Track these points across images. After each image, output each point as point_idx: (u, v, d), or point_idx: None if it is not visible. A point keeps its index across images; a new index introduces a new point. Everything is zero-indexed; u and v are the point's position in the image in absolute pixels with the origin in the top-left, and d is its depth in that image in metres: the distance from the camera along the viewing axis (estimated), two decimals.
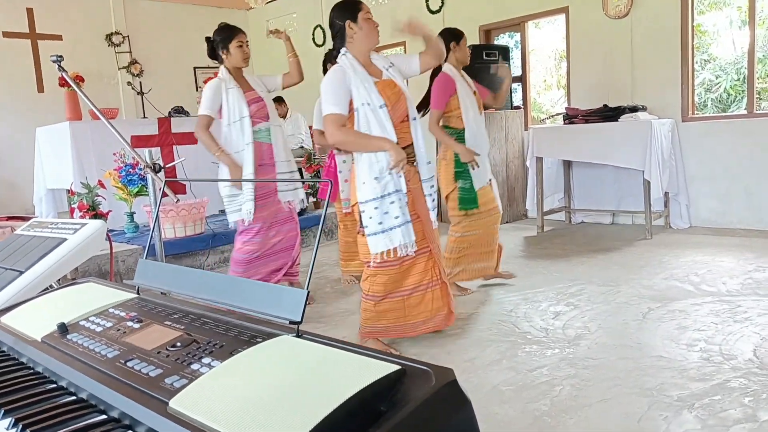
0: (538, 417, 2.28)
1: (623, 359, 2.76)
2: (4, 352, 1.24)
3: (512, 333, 3.21)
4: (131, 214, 5.17)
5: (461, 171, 3.81)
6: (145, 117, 6.87)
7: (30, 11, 7.84)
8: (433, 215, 3.08)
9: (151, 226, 1.59)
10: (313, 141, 8.22)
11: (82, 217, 4.60)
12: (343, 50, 2.92)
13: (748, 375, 2.50)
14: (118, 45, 8.72)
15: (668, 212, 5.80)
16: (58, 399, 1.00)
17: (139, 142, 5.61)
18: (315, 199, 6.44)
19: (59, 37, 8.00)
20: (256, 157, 3.54)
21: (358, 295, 4.11)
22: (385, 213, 2.83)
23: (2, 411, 0.96)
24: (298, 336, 0.96)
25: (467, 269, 3.97)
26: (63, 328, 1.16)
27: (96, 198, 4.74)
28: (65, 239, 1.68)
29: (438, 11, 7.42)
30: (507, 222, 6.37)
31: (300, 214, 4.23)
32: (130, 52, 8.80)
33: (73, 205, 4.88)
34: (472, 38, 6.32)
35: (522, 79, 7.01)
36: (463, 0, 7.20)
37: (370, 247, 2.89)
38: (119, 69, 8.77)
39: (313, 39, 9.00)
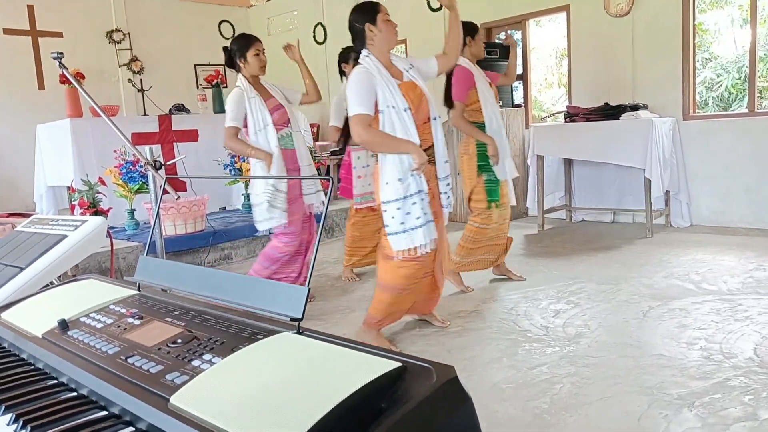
0: (538, 415, 2.29)
1: (623, 357, 2.76)
2: (4, 348, 1.24)
3: (512, 331, 3.21)
4: (132, 212, 5.18)
5: (484, 164, 3.86)
6: (145, 114, 6.86)
7: (30, 8, 7.84)
8: (446, 212, 3.15)
9: (152, 224, 1.59)
10: (313, 138, 8.22)
11: (82, 214, 4.60)
12: (365, 52, 2.96)
13: (748, 373, 2.50)
14: (119, 42, 8.71)
15: (669, 211, 5.80)
16: (58, 395, 1.00)
17: (139, 139, 5.61)
18: None
19: (60, 34, 7.99)
20: (286, 162, 3.61)
21: (359, 293, 4.12)
22: (407, 213, 2.88)
23: (3, 407, 0.96)
24: (299, 333, 0.96)
25: (481, 260, 4.06)
26: (64, 325, 1.16)
27: (96, 195, 4.75)
28: (66, 236, 1.68)
29: (439, 9, 7.41)
30: None
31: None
32: (131, 49, 8.79)
33: (73, 202, 4.88)
34: None
35: (523, 77, 7.00)
36: None
37: (391, 246, 2.93)
38: (120, 66, 8.76)
39: (314, 37, 8.99)
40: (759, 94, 6.15)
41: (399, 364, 0.80)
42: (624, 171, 5.88)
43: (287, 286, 1.01)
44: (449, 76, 3.85)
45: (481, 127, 3.84)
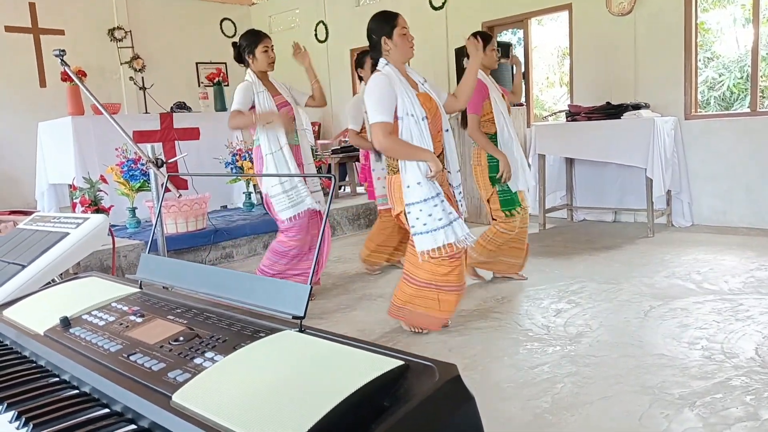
0: (538, 414, 2.28)
1: (624, 357, 2.76)
2: (6, 345, 1.24)
3: (514, 330, 3.21)
4: (133, 210, 5.18)
5: (494, 176, 3.87)
6: (147, 112, 6.86)
7: (32, 6, 7.83)
8: (462, 207, 3.25)
9: (154, 222, 1.59)
10: (314, 136, 8.22)
11: (84, 212, 4.61)
12: (383, 61, 3.05)
13: (749, 373, 2.50)
14: (121, 40, 8.70)
15: (670, 210, 5.80)
16: (60, 392, 1.00)
17: (141, 137, 5.61)
18: None
19: (61, 32, 7.98)
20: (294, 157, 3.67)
21: (360, 292, 4.13)
22: (429, 215, 2.97)
23: (5, 404, 0.96)
24: (301, 331, 0.96)
25: (500, 261, 4.10)
26: (65, 322, 1.16)
27: (98, 193, 4.75)
28: (68, 233, 1.68)
29: (441, 7, 7.40)
30: None
31: None
32: (132, 47, 8.79)
33: (74, 200, 4.89)
34: None
35: (525, 75, 6.99)
36: None
37: (416, 246, 3.02)
38: (121, 64, 8.76)
39: (316, 35, 8.98)
40: (761, 94, 6.14)
41: (401, 362, 0.80)
42: (625, 170, 5.88)
43: (289, 283, 1.01)
44: None
45: (494, 137, 3.85)
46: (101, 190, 4.80)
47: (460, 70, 6.28)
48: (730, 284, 3.76)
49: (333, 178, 1.27)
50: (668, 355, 2.74)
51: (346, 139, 7.59)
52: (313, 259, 3.81)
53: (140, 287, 1.32)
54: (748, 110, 5.76)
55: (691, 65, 5.65)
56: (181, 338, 1.00)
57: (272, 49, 3.72)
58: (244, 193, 6.31)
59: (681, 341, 2.89)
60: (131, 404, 0.87)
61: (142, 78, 7.62)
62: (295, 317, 0.96)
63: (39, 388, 1.02)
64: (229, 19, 9.83)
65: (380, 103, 2.91)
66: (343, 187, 7.86)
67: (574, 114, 5.85)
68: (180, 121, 6.25)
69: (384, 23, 3.03)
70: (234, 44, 3.80)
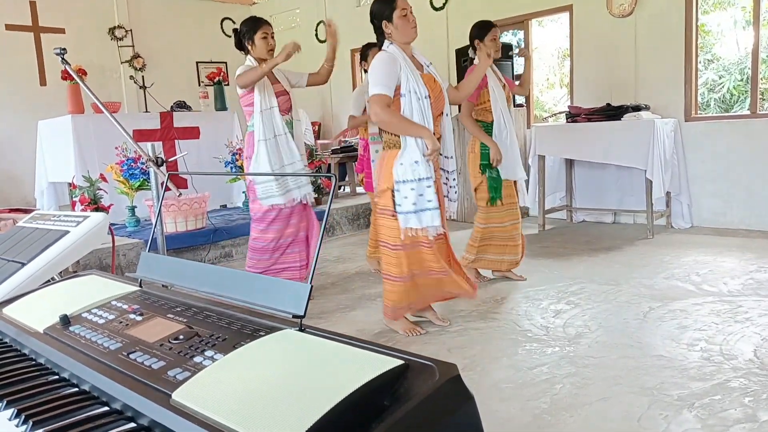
0: (537, 415, 2.28)
1: (624, 358, 2.76)
2: (6, 343, 1.24)
3: (513, 331, 3.21)
4: (132, 208, 5.18)
5: (487, 164, 3.92)
6: (147, 111, 6.86)
7: (33, 4, 7.83)
8: (454, 206, 3.28)
9: (153, 221, 1.59)
10: (314, 136, 8.23)
11: (83, 210, 4.60)
12: (388, 42, 3.06)
13: (748, 375, 2.50)
14: (121, 39, 8.70)
15: (670, 212, 5.80)
16: (60, 390, 1.00)
17: (141, 136, 5.61)
18: (317, 195, 6.44)
19: (62, 31, 7.98)
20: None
21: (360, 292, 4.13)
22: (420, 195, 2.97)
23: (5, 402, 0.96)
24: (301, 330, 0.96)
25: (485, 259, 4.10)
26: (65, 320, 1.16)
27: (97, 192, 4.75)
28: (68, 231, 1.68)
29: (441, 8, 7.41)
30: None
31: None
32: (133, 46, 8.79)
33: (74, 199, 4.89)
34: None
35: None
36: None
37: (400, 223, 3.01)
38: (122, 63, 8.75)
39: (316, 35, 8.98)
40: (761, 96, 6.14)
41: (401, 361, 0.80)
42: (625, 172, 5.88)
43: (289, 283, 1.01)
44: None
45: (490, 126, 3.88)
46: (101, 189, 4.80)
47: (461, 70, 6.29)
48: (729, 286, 3.76)
49: (333, 178, 1.27)
50: (667, 357, 2.74)
51: (347, 139, 7.59)
52: (306, 251, 3.82)
53: (140, 286, 1.32)
54: (748, 112, 5.76)
55: (692, 67, 5.65)
56: (181, 337, 1.00)
57: (272, 37, 3.68)
58: (243, 192, 6.30)
59: (680, 342, 2.90)
60: (131, 402, 0.87)
61: (143, 77, 7.62)
62: (295, 316, 0.96)
63: (38, 386, 1.02)
64: (230, 19, 9.83)
65: (382, 76, 2.92)
66: (342, 187, 7.86)
67: (574, 115, 5.86)
68: (180, 120, 6.25)
69: (384, 6, 3.03)
70: (235, 30, 3.79)
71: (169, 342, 0.99)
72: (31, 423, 0.88)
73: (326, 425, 0.69)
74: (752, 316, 3.21)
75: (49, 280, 1.57)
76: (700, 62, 6.05)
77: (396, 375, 0.78)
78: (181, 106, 6.61)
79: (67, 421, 0.88)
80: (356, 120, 4.52)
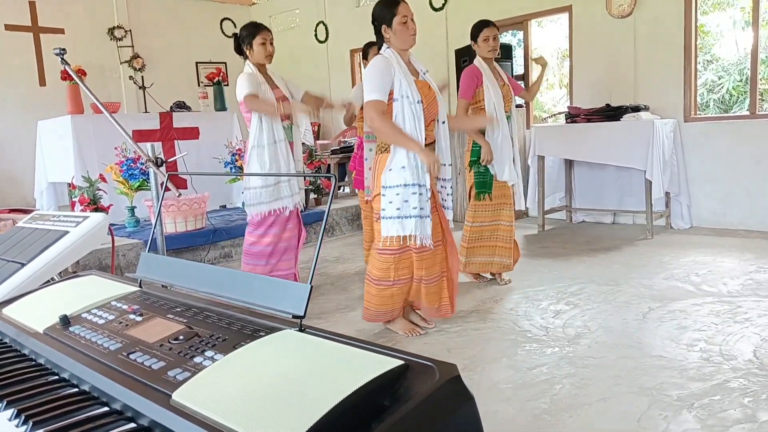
0: (537, 415, 2.28)
1: (623, 358, 2.76)
2: (6, 343, 1.24)
3: (512, 331, 3.21)
4: (132, 209, 5.18)
5: (476, 160, 3.95)
6: (146, 112, 6.86)
7: (32, 4, 7.82)
8: (449, 214, 3.25)
9: (153, 221, 1.59)
10: (313, 137, 8.23)
11: (83, 210, 4.60)
12: (386, 45, 3.09)
13: (747, 375, 2.50)
14: (120, 39, 8.70)
15: (669, 212, 5.80)
16: (60, 391, 1.00)
17: (140, 136, 5.61)
18: (316, 195, 6.45)
19: (61, 31, 7.97)
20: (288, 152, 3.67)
21: (359, 292, 4.12)
22: (405, 201, 2.97)
23: (5, 402, 0.96)
24: (301, 330, 0.96)
25: (475, 262, 4.09)
26: (65, 321, 1.16)
27: (97, 192, 4.74)
28: (67, 232, 1.68)
29: (441, 9, 7.41)
30: None
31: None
32: (132, 46, 8.78)
33: (74, 199, 4.88)
34: None
35: (524, 77, 7.00)
36: None
37: (381, 231, 3.03)
38: (121, 63, 8.75)
39: (315, 35, 8.98)
40: (760, 97, 6.14)
41: (401, 362, 0.80)
42: (624, 172, 5.88)
43: (289, 283, 1.01)
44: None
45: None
46: (100, 189, 4.80)
47: (461, 71, 6.28)
48: (728, 286, 3.76)
49: (333, 178, 1.27)
50: (667, 357, 2.74)
51: (346, 139, 7.60)
52: (299, 261, 3.82)
53: (140, 286, 1.32)
54: (748, 113, 5.76)
55: (691, 68, 5.66)
56: (181, 337, 1.00)
57: (270, 43, 3.69)
58: (243, 193, 6.30)
59: (679, 343, 2.90)
60: (131, 403, 0.87)
61: (142, 77, 7.61)
62: (295, 316, 0.96)
63: (38, 386, 1.02)
64: (229, 19, 9.83)
65: (376, 82, 2.95)
66: (342, 188, 7.86)
67: (573, 116, 5.86)
68: (179, 120, 6.25)
69: (385, 11, 3.05)
70: (234, 35, 3.80)
71: (169, 342, 0.99)
72: (31, 423, 0.88)
73: (326, 425, 0.69)
74: (752, 316, 3.21)
75: (48, 281, 1.57)
76: (699, 63, 6.05)
77: (396, 375, 0.79)
78: (181, 106, 6.61)
79: (67, 421, 0.88)
80: (351, 109, 4.53)
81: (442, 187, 3.24)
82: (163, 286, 1.32)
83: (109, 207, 4.80)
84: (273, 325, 1.00)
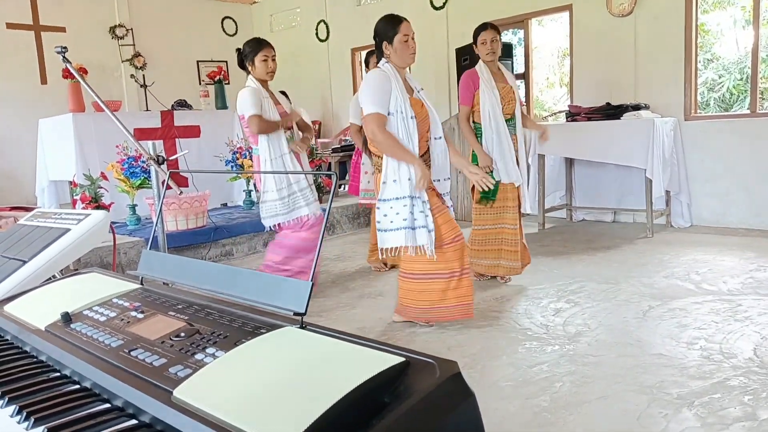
0: (537, 413, 2.29)
1: (623, 356, 2.77)
2: (8, 340, 1.25)
3: (512, 329, 3.22)
4: (133, 207, 5.18)
5: (475, 164, 3.94)
6: (147, 110, 6.86)
7: (34, 2, 7.82)
8: (451, 211, 3.30)
9: (155, 219, 1.59)
10: (314, 136, 8.21)
11: (84, 208, 4.61)
12: (384, 60, 3.15)
13: (747, 374, 2.51)
14: (122, 37, 8.70)
15: (669, 211, 5.80)
16: (62, 387, 1.00)
17: (141, 134, 5.61)
18: (317, 194, 6.45)
19: (63, 29, 7.97)
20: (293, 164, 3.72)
21: (360, 290, 4.13)
22: (397, 214, 3.05)
23: (7, 399, 0.97)
24: (302, 327, 0.96)
25: (481, 264, 4.08)
26: (67, 318, 1.17)
27: (98, 190, 4.75)
28: (69, 230, 1.68)
29: (441, 7, 7.40)
30: None
31: None
32: (134, 44, 8.78)
33: (75, 197, 4.89)
34: None
35: (525, 76, 7.00)
36: None
37: (378, 243, 3.12)
38: (122, 62, 8.75)
39: (316, 34, 8.98)
40: (761, 95, 6.14)
41: (402, 359, 0.81)
42: (625, 171, 5.88)
43: (290, 280, 1.02)
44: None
45: (481, 128, 3.91)
46: (102, 187, 4.80)
47: (461, 70, 6.29)
48: (728, 285, 3.77)
49: (334, 176, 1.27)
50: (667, 355, 2.75)
51: (347, 137, 7.60)
52: (315, 254, 3.83)
53: (141, 283, 1.33)
54: (748, 112, 5.76)
55: (691, 66, 5.66)
56: (182, 334, 1.00)
57: (272, 59, 3.71)
58: (244, 191, 6.31)
59: (679, 341, 2.90)
60: (132, 399, 0.87)
61: (143, 76, 7.61)
62: (296, 314, 0.96)
63: (40, 383, 1.02)
64: (231, 18, 9.82)
65: (376, 96, 3.01)
66: (343, 186, 7.86)
67: (574, 114, 5.86)
68: (181, 118, 6.26)
69: (387, 28, 3.11)
70: (237, 50, 3.84)
71: (171, 339, 1.00)
72: (32, 420, 0.88)
73: (327, 422, 0.70)
74: (752, 314, 3.21)
75: (50, 278, 1.57)
76: (699, 61, 6.05)
77: (397, 372, 0.79)
78: (182, 104, 6.62)
79: (69, 417, 0.89)
80: (357, 129, 4.57)
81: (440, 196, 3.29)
82: (164, 283, 1.32)
83: (110, 205, 4.80)
84: (274, 323, 1.00)
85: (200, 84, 9.04)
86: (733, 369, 2.56)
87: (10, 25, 7.64)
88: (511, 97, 3.94)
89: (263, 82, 3.73)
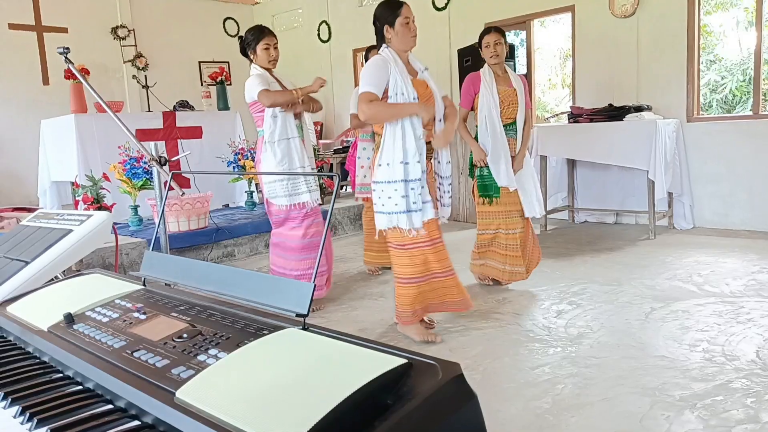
0: (539, 415, 2.29)
1: (625, 358, 2.76)
2: (10, 341, 1.25)
3: (515, 331, 3.21)
4: (135, 208, 5.19)
5: (472, 167, 4.02)
6: (149, 111, 6.87)
7: (36, 3, 7.84)
8: (447, 211, 3.28)
9: (157, 220, 1.59)
10: (316, 136, 8.23)
11: (86, 209, 4.61)
12: (384, 46, 3.12)
13: (750, 376, 2.50)
14: (124, 38, 8.71)
15: (672, 212, 5.79)
16: (64, 388, 1.00)
17: (143, 135, 5.62)
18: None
19: (65, 30, 7.99)
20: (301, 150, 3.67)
21: (362, 291, 4.13)
22: (389, 197, 3.02)
23: (10, 399, 0.97)
24: (304, 329, 0.96)
25: (486, 264, 4.05)
26: (69, 319, 1.17)
27: (100, 191, 4.75)
28: (71, 230, 1.68)
29: (443, 8, 7.41)
30: None
31: None
32: (136, 45, 8.80)
33: (77, 198, 4.89)
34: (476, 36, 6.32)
35: (527, 77, 6.98)
36: None
37: (376, 224, 3.11)
38: (124, 62, 8.76)
39: (318, 35, 8.99)
40: (763, 97, 6.14)
41: (405, 360, 0.80)
42: (627, 172, 5.88)
43: (293, 281, 1.02)
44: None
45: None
46: (104, 188, 4.81)
47: (463, 70, 6.29)
48: (731, 287, 3.76)
49: (336, 177, 1.27)
50: (669, 357, 2.74)
51: (349, 139, 7.60)
52: (317, 256, 3.80)
53: (143, 284, 1.33)
54: (751, 113, 5.75)
55: (694, 68, 5.65)
56: (185, 335, 1.00)
57: (274, 47, 3.69)
58: (246, 192, 6.31)
59: (682, 343, 2.90)
60: (135, 400, 0.87)
61: (145, 76, 7.63)
62: (298, 315, 0.96)
63: (43, 384, 1.02)
64: (232, 18, 9.84)
65: (372, 77, 2.99)
66: (345, 187, 7.86)
67: (576, 116, 5.86)
68: (183, 119, 6.26)
69: (388, 12, 3.07)
70: (240, 37, 3.82)
71: (173, 340, 1.00)
72: (35, 420, 0.88)
73: (330, 423, 0.70)
74: (754, 317, 3.20)
75: (52, 279, 1.57)
76: (702, 63, 6.04)
77: (399, 374, 0.79)
78: (184, 105, 6.62)
79: (71, 418, 0.89)
80: (361, 124, 4.54)
81: (440, 184, 3.25)
82: (166, 284, 1.32)
83: (112, 206, 4.81)
84: (276, 324, 1.00)
85: (202, 85, 9.05)
86: (736, 371, 2.55)
87: (12, 26, 7.66)
88: (512, 100, 3.91)
89: (267, 70, 3.71)
